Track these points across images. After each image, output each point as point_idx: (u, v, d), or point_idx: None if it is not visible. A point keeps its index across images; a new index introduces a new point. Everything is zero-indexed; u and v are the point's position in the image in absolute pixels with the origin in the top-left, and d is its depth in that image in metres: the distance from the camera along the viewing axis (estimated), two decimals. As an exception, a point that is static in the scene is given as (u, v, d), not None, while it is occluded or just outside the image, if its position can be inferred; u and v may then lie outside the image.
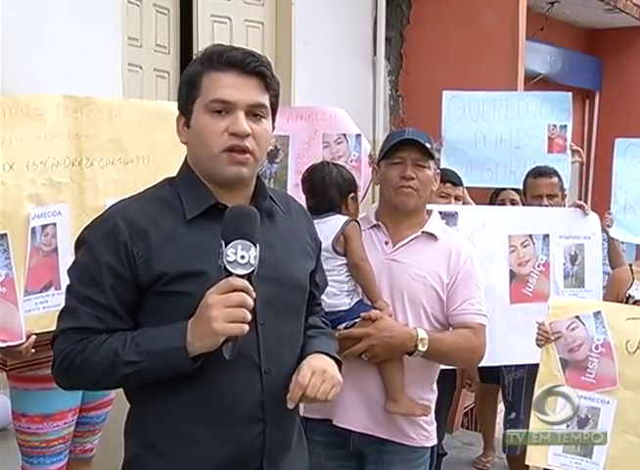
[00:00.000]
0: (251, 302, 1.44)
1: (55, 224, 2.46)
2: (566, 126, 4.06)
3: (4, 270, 2.32)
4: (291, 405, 1.60)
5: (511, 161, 4.03)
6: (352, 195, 2.65)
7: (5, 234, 2.33)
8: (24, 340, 2.33)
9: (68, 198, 2.51)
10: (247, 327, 1.45)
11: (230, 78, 1.56)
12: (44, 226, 2.44)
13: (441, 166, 3.89)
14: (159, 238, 1.54)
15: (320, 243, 1.88)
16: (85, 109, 2.56)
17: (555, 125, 4.06)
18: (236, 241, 1.43)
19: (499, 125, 4.11)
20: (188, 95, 1.61)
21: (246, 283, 1.44)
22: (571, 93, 4.24)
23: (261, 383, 1.59)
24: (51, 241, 2.46)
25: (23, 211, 2.40)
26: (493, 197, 4.16)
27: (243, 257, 1.42)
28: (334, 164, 2.73)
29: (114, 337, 1.53)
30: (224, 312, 1.43)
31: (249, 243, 1.43)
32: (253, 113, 1.58)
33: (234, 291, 1.43)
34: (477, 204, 3.86)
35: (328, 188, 2.52)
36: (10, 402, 2.74)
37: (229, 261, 1.42)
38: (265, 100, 1.60)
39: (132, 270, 1.53)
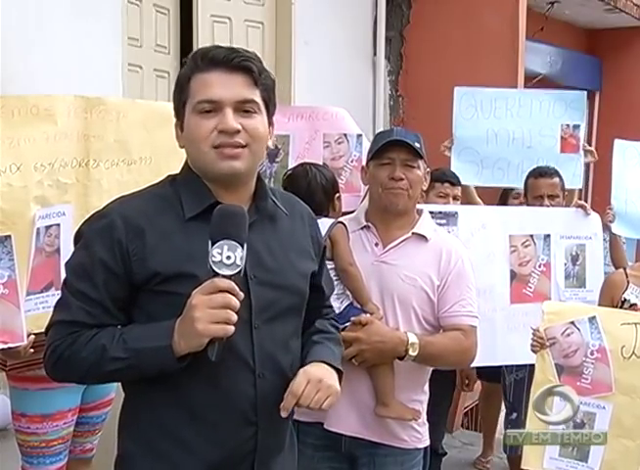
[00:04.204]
0: (236, 303, 1.42)
1: (59, 225, 2.44)
2: (579, 126, 3.98)
3: (7, 272, 2.30)
4: (284, 414, 1.58)
5: (523, 160, 3.92)
6: (338, 195, 2.63)
7: (9, 236, 2.32)
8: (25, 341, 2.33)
9: (73, 199, 2.49)
10: (232, 328, 1.42)
11: (216, 77, 1.55)
12: (48, 227, 2.43)
13: (453, 165, 3.88)
14: (154, 237, 1.54)
15: (324, 246, 1.86)
16: (95, 109, 2.53)
17: (568, 125, 3.97)
18: (222, 241, 1.41)
19: (511, 124, 4.01)
20: (179, 99, 1.61)
21: (231, 284, 1.41)
22: (585, 92, 4.17)
23: (255, 387, 1.58)
24: (54, 241, 2.44)
25: (29, 213, 2.37)
26: (507, 193, 4.13)
27: (229, 257, 1.40)
28: (313, 165, 2.70)
29: (104, 332, 1.53)
30: (208, 313, 1.41)
31: (235, 243, 1.41)
32: (243, 109, 1.56)
33: (219, 292, 1.41)
34: (487, 204, 3.83)
35: (315, 193, 2.50)
36: (10, 402, 2.74)
37: (215, 262, 1.40)
38: (255, 95, 1.57)
39: (126, 268, 1.53)
